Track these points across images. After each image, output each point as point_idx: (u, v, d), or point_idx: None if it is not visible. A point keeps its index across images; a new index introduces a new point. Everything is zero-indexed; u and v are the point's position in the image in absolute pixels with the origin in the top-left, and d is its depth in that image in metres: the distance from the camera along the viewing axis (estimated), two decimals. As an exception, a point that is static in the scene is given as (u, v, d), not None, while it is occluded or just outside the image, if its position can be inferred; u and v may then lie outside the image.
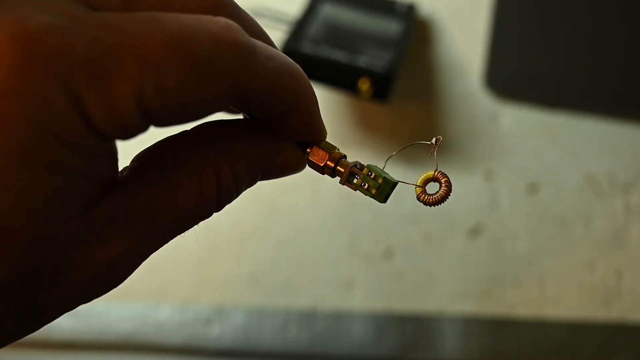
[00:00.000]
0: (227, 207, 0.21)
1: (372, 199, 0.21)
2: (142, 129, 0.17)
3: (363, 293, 0.49)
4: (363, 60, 0.48)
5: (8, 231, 0.15)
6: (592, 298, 0.48)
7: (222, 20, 0.17)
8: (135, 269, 0.19)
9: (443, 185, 0.21)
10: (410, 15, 0.55)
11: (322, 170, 0.22)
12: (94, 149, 0.16)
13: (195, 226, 0.20)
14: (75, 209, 0.17)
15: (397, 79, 0.49)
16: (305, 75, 0.20)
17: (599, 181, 0.51)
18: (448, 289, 0.49)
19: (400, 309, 0.48)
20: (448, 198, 0.21)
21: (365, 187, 0.21)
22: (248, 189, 0.21)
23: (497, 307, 0.48)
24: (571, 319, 0.48)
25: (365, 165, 0.22)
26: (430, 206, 0.22)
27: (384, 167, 0.22)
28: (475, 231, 0.50)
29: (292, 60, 0.20)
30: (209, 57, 0.16)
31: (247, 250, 0.51)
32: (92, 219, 0.17)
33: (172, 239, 0.19)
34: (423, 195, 0.22)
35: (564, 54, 0.55)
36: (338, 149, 0.22)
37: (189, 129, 0.20)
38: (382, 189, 0.21)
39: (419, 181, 0.22)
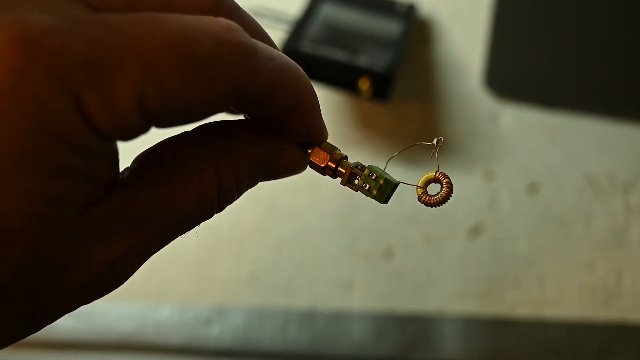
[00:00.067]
0: (227, 207, 0.20)
1: (373, 199, 0.21)
2: (143, 129, 0.17)
3: (363, 293, 0.49)
4: (363, 60, 0.48)
5: (8, 232, 0.15)
6: (592, 298, 0.48)
7: (223, 21, 0.17)
8: (136, 269, 0.19)
9: (444, 186, 0.21)
10: (410, 15, 0.55)
11: (323, 171, 0.22)
12: (94, 149, 0.16)
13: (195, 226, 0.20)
14: (75, 209, 0.17)
15: (397, 78, 0.49)
16: (306, 75, 0.20)
17: (599, 181, 0.51)
18: (448, 289, 0.49)
19: (400, 309, 0.48)
20: (449, 199, 0.21)
21: (367, 188, 0.21)
22: (248, 190, 0.21)
23: (497, 307, 0.48)
24: (571, 319, 0.48)
25: (367, 166, 0.22)
26: (432, 207, 0.21)
27: (385, 168, 0.22)
28: (475, 231, 0.50)
29: (293, 61, 0.20)
30: (210, 58, 0.16)
31: (247, 250, 0.51)
32: (93, 219, 0.17)
33: (172, 239, 0.19)
34: (424, 196, 0.22)
35: (564, 54, 0.55)
36: (339, 150, 0.22)
37: (189, 129, 0.20)
38: (384, 190, 0.21)
39: (420, 182, 0.22)
